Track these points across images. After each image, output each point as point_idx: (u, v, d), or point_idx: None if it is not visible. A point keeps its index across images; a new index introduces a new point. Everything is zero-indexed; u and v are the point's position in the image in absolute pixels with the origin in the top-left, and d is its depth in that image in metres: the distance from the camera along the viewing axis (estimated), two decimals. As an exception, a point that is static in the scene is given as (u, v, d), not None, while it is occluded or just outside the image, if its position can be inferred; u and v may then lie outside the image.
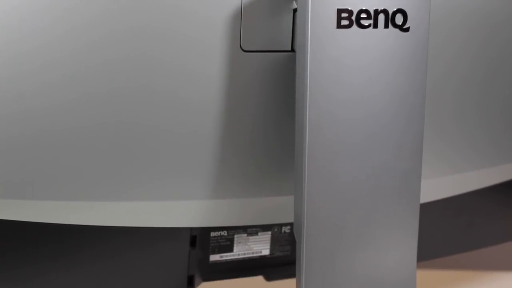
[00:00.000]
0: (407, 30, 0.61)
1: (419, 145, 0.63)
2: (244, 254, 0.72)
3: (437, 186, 0.75)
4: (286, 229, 0.73)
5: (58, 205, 0.62)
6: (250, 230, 0.71)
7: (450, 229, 0.83)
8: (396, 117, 0.62)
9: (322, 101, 0.59)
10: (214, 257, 0.71)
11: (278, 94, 0.64)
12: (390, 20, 0.61)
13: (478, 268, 1.16)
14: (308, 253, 0.61)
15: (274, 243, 0.73)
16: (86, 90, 0.59)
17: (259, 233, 0.72)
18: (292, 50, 0.63)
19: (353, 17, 0.59)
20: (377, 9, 0.60)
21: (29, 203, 0.61)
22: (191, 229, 0.68)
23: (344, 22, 0.59)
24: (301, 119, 0.60)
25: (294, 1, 0.62)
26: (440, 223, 0.81)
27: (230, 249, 0.71)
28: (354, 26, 0.60)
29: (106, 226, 0.64)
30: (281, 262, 0.74)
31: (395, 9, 0.61)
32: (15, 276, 0.65)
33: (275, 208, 0.69)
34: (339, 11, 0.59)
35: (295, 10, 0.62)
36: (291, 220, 0.64)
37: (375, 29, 0.60)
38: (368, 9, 0.60)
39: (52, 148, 0.60)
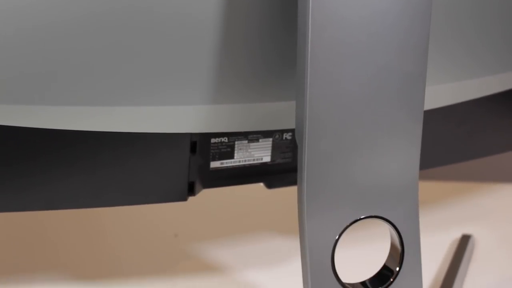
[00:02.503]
0: None
1: (424, 48, 0.62)
2: (245, 161, 0.72)
3: (436, 94, 0.74)
4: (287, 136, 0.72)
5: (56, 110, 0.61)
6: (251, 136, 0.71)
7: (450, 138, 0.83)
8: (401, 16, 0.60)
9: (326, -1, 0.58)
10: (214, 164, 0.70)
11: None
12: None
13: (477, 179, 1.17)
14: (309, 158, 0.61)
15: (275, 149, 0.72)
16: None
17: (260, 140, 0.71)
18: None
19: None
20: None
21: (27, 108, 0.60)
22: (191, 135, 0.67)
23: None
24: (303, 18, 0.58)
25: None
26: (440, 132, 0.80)
27: (230, 155, 0.71)
28: None
29: (105, 132, 0.63)
30: (282, 169, 0.73)
31: None
32: (14, 184, 0.64)
33: (277, 113, 0.68)
34: None
35: None
36: (292, 126, 0.63)
37: None
38: None
39: (48, 50, 0.58)
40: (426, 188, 0.88)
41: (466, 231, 0.95)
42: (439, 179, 1.15)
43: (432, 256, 0.86)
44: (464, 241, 0.91)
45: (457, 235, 0.94)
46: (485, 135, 0.86)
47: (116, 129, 0.63)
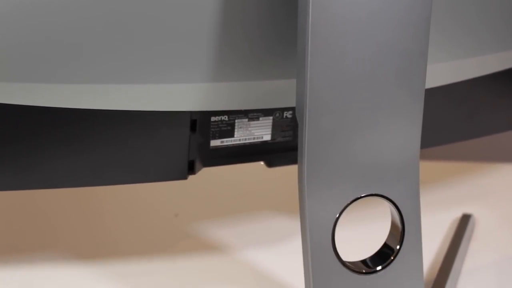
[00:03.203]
0: None
1: (425, 26, 0.62)
2: (245, 139, 0.71)
3: (435, 73, 0.74)
4: (288, 114, 0.72)
5: (55, 88, 0.61)
6: (251, 115, 0.70)
7: (450, 117, 0.82)
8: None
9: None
10: (214, 142, 0.70)
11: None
12: None
13: (478, 159, 1.16)
14: (310, 136, 0.60)
15: (275, 128, 0.72)
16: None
17: (261, 118, 0.71)
18: None
19: None
20: None
21: (27, 86, 0.60)
22: (191, 113, 0.67)
23: None
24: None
25: None
26: (440, 111, 0.80)
27: (231, 134, 0.70)
28: None
29: (105, 110, 0.63)
30: (283, 148, 0.73)
31: None
32: (13, 163, 0.64)
33: (277, 91, 0.68)
34: None
35: None
36: (293, 104, 0.63)
37: None
38: None
39: (48, 26, 0.58)
40: (427, 167, 0.87)
41: (467, 210, 0.95)
42: (440, 159, 1.15)
43: (433, 235, 0.86)
44: (465, 221, 0.91)
45: (457, 214, 0.94)
46: (485, 114, 0.86)
47: (116, 107, 0.63)
